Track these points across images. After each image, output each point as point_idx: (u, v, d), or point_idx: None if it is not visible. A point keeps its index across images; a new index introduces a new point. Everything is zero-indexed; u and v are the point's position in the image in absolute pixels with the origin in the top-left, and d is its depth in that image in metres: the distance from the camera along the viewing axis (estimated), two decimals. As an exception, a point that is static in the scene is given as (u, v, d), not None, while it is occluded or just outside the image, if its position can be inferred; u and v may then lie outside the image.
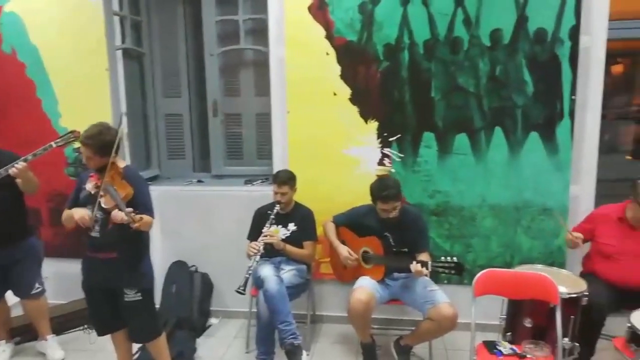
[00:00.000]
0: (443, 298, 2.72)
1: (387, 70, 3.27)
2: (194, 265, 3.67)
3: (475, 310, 2.47)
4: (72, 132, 2.91)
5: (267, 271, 2.95)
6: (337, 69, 3.31)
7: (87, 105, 3.60)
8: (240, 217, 3.32)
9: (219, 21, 3.72)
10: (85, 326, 3.54)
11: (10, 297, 3.22)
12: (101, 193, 2.34)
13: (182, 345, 3.14)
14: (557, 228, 3.19)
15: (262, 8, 3.48)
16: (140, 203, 2.40)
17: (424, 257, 2.79)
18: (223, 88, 3.84)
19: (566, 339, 2.40)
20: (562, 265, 3.14)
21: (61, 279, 3.74)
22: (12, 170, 2.78)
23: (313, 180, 3.37)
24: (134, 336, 2.68)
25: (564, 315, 2.36)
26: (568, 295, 2.45)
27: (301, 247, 3.17)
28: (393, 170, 3.33)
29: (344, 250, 2.98)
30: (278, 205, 3.12)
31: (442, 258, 2.67)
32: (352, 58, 3.29)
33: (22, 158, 2.82)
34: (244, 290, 2.82)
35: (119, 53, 3.68)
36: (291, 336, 2.82)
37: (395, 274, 2.95)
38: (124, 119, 3.58)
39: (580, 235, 2.81)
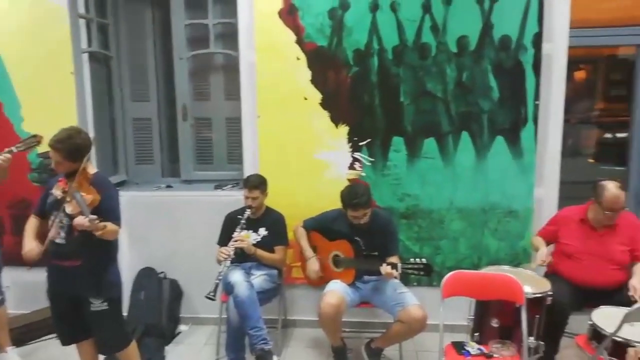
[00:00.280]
0: (413, 300, 2.75)
1: (357, 75, 3.30)
2: (162, 272, 3.61)
3: (444, 311, 2.50)
4: (34, 136, 2.83)
5: (237, 277, 2.92)
6: (308, 74, 3.32)
7: (51, 109, 3.51)
8: (210, 222, 3.28)
9: (188, 25, 3.69)
10: (50, 336, 3.42)
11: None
12: (67, 198, 2.28)
13: (150, 353, 3.09)
14: (522, 230, 3.27)
15: (232, 12, 3.47)
16: (107, 210, 2.33)
17: (393, 260, 2.81)
18: (193, 92, 3.80)
19: (531, 338, 2.45)
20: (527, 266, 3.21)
21: (24, 288, 3.63)
22: None
23: (284, 185, 3.37)
24: (101, 347, 2.61)
25: (529, 315, 2.41)
26: (533, 295, 2.50)
27: (272, 251, 3.16)
28: (364, 174, 3.36)
29: (315, 265, 2.98)
30: (249, 210, 3.10)
31: (412, 260, 2.71)
32: (322, 63, 3.31)
33: None
34: (214, 296, 2.78)
35: (85, 56, 3.60)
36: (262, 341, 2.80)
37: (366, 277, 2.97)
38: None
39: (542, 254, 2.84)
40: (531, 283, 2.59)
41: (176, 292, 3.60)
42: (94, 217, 2.17)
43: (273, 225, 3.20)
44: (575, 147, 4.38)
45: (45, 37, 3.46)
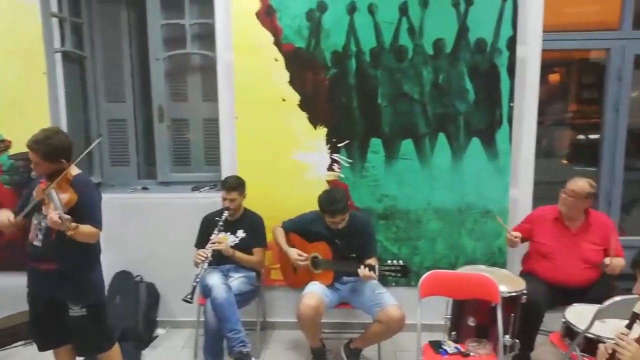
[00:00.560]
0: (391, 300, 2.77)
1: (335, 77, 3.31)
2: (139, 275, 3.55)
3: (421, 311, 2.52)
4: (2, 141, 2.75)
5: (214, 279, 2.90)
6: (286, 75, 3.32)
7: (23, 110, 3.43)
8: (187, 224, 3.24)
9: (164, 25, 3.64)
10: (24, 341, 3.38)
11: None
12: (44, 198, 2.23)
13: (127, 358, 3.01)
14: (498, 230, 3.32)
15: (209, 13, 3.44)
16: (84, 211, 2.28)
17: (372, 262, 2.81)
18: (169, 93, 3.76)
19: (507, 336, 2.48)
20: (503, 265, 3.27)
21: (-6, 294, 3.55)
22: None
23: (262, 186, 3.35)
24: (79, 350, 2.57)
25: (504, 313, 2.45)
26: (508, 294, 2.54)
27: (251, 254, 3.14)
28: (342, 176, 3.37)
29: (293, 253, 2.97)
30: (227, 212, 3.08)
31: (389, 261, 2.73)
32: (300, 64, 3.31)
33: None
34: (192, 298, 2.76)
35: (58, 56, 3.53)
36: (240, 344, 2.78)
37: (345, 278, 2.98)
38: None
39: (518, 234, 2.94)
40: (506, 282, 2.63)
41: (153, 295, 3.55)
42: (67, 216, 2.13)
43: (251, 227, 3.19)
44: (549, 148, 4.47)
45: (17, 35, 3.38)
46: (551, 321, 2.73)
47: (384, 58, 3.27)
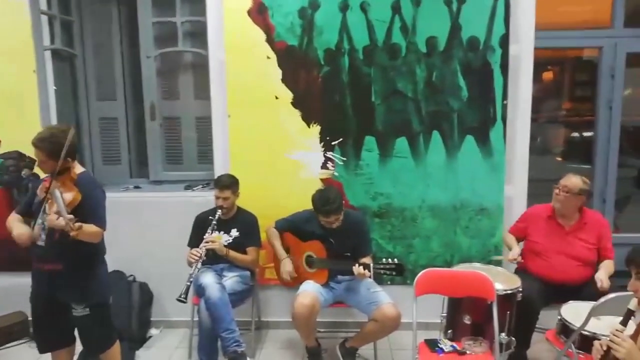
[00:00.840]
0: (386, 299, 2.76)
1: (328, 75, 3.29)
2: (132, 275, 3.52)
3: (417, 309, 2.52)
4: None
5: (208, 279, 2.88)
6: (279, 73, 3.30)
7: (13, 108, 3.41)
8: (180, 223, 3.21)
9: (155, 23, 3.61)
10: (16, 342, 3.38)
11: None
12: (48, 197, 2.20)
13: (121, 358, 2.99)
14: (493, 227, 3.32)
15: (200, 10, 3.41)
16: (88, 211, 2.25)
17: (367, 261, 2.80)
18: (161, 91, 3.72)
19: (503, 334, 2.49)
20: (498, 262, 3.26)
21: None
22: None
23: (256, 185, 3.33)
24: (85, 347, 2.56)
25: (500, 311, 2.45)
26: (504, 292, 2.54)
27: (244, 253, 3.12)
28: (336, 174, 3.36)
29: (288, 266, 2.95)
30: (220, 211, 3.05)
31: (384, 260, 2.72)
32: (293, 62, 3.29)
33: None
34: (185, 298, 2.73)
35: (48, 54, 3.49)
36: (234, 344, 2.77)
37: (339, 277, 2.96)
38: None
39: (516, 254, 2.90)
40: (502, 280, 2.63)
41: (146, 295, 3.51)
42: (71, 216, 2.10)
43: (245, 226, 3.17)
44: (543, 145, 4.50)
45: (5, 33, 3.34)
46: (547, 319, 2.73)
47: (377, 56, 3.26)
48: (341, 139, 3.34)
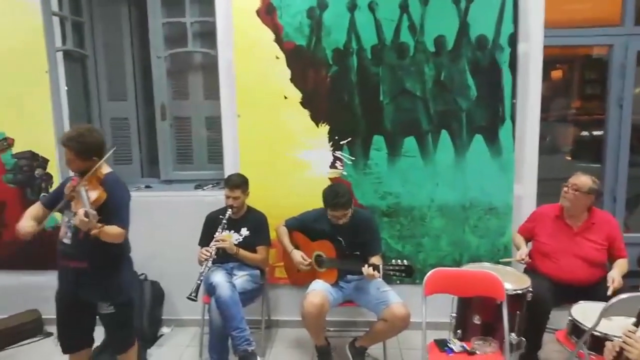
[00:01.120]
0: (396, 298, 2.77)
1: (336, 75, 3.30)
2: (143, 274, 3.54)
3: (426, 309, 2.52)
4: (4, 139, 2.75)
5: (219, 278, 2.90)
6: (287, 73, 3.31)
7: (26, 109, 3.45)
8: (191, 222, 3.23)
9: (165, 23, 3.63)
10: (27, 341, 3.42)
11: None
12: (73, 195, 2.23)
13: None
14: (502, 227, 3.32)
15: (209, 11, 3.43)
16: (112, 211, 2.28)
17: (376, 260, 2.82)
18: (171, 91, 3.75)
19: (513, 334, 2.48)
20: (508, 262, 3.24)
21: (0, 292, 3.55)
22: None
23: (265, 184, 3.35)
24: (109, 342, 2.61)
25: (510, 311, 2.44)
26: (513, 292, 2.53)
27: (254, 252, 3.14)
28: (345, 173, 3.37)
29: (297, 256, 2.97)
30: (230, 210, 3.07)
31: (393, 261, 2.72)
32: (301, 62, 3.30)
33: None
34: (196, 296, 2.76)
35: (60, 55, 3.52)
36: (245, 342, 2.79)
37: (349, 277, 2.97)
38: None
39: (523, 253, 2.91)
40: (511, 279, 2.63)
41: (157, 294, 3.54)
42: (93, 212, 2.13)
43: (255, 225, 3.18)
44: (552, 144, 4.47)
45: (18, 35, 3.38)
46: (557, 319, 2.73)
47: (386, 55, 3.26)
48: (350, 139, 3.35)
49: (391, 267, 2.69)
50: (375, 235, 3.01)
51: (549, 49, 3.26)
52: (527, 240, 3.01)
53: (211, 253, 2.92)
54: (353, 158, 3.36)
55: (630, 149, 3.50)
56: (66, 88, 3.58)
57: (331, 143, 3.37)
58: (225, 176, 3.25)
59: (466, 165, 3.30)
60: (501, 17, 3.17)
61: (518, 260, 2.90)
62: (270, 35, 3.28)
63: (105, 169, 2.39)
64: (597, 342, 2.17)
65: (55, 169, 3.52)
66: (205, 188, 3.63)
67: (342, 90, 3.31)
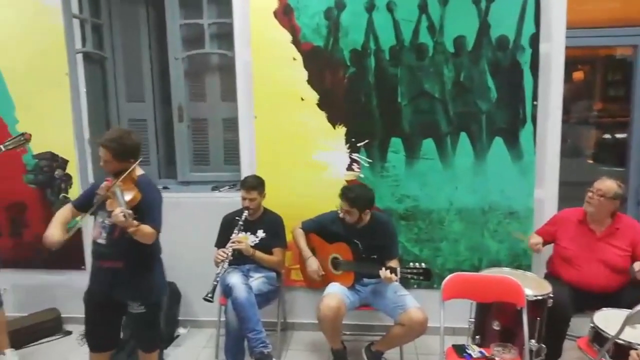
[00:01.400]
0: (413, 303, 2.74)
1: (354, 76, 3.28)
2: (160, 275, 3.57)
3: (444, 314, 2.49)
4: (22, 134, 2.79)
5: (235, 279, 2.90)
6: (304, 74, 3.30)
7: (46, 110, 3.49)
8: (207, 224, 3.24)
9: (183, 25, 3.65)
10: (46, 339, 3.47)
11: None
12: (109, 195, 2.26)
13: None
14: (523, 231, 3.25)
15: (227, 12, 3.43)
16: (146, 211, 2.31)
17: (393, 264, 2.79)
18: (188, 93, 3.77)
19: (533, 341, 2.44)
20: (527, 267, 3.21)
21: (20, 291, 3.61)
22: None
23: (281, 186, 3.34)
24: (136, 341, 2.65)
25: (530, 317, 2.40)
26: (534, 298, 2.49)
27: (270, 253, 3.13)
28: (362, 176, 3.34)
29: (313, 265, 2.96)
30: (246, 212, 3.07)
31: (411, 264, 2.68)
32: (319, 63, 3.28)
33: None
34: (212, 297, 2.75)
35: (80, 57, 3.57)
36: (261, 345, 2.78)
37: (365, 280, 2.95)
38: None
39: (538, 240, 2.86)
40: (532, 285, 2.58)
41: (174, 294, 3.56)
42: (129, 211, 2.16)
43: (271, 226, 3.18)
44: (574, 147, 4.38)
45: (39, 37, 3.42)
46: (578, 326, 2.67)
47: (404, 56, 3.23)
48: (367, 141, 3.32)
49: (409, 270, 2.66)
50: (392, 238, 2.99)
51: (570, 49, 3.19)
52: (545, 244, 2.95)
53: (228, 254, 2.92)
54: (370, 160, 3.34)
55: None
56: (85, 89, 3.62)
57: (348, 145, 3.34)
58: (242, 178, 3.25)
59: (486, 168, 3.25)
60: (522, 17, 3.12)
61: (531, 244, 2.86)
62: (287, 36, 3.27)
63: (139, 171, 2.43)
64: (621, 351, 2.13)
65: (74, 169, 3.57)
66: (221, 189, 3.64)
67: (359, 91, 3.29)
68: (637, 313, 2.11)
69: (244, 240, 3.06)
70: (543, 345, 2.52)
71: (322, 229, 3.05)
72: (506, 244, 3.30)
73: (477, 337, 2.56)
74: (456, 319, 2.65)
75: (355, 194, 2.84)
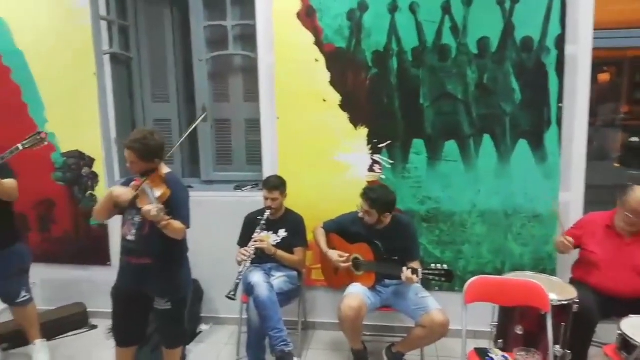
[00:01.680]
0: (435, 305, 2.73)
1: (376, 77, 3.28)
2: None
3: (466, 317, 2.48)
4: (38, 133, 2.85)
5: (257, 277, 2.93)
6: (327, 76, 3.31)
7: (74, 110, 3.58)
8: (230, 222, 3.28)
9: (207, 27, 3.70)
10: (73, 332, 3.56)
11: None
12: (139, 194, 2.32)
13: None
14: (547, 235, 3.22)
15: (250, 14, 3.47)
16: (175, 207, 2.36)
17: (415, 266, 2.78)
18: (212, 93, 3.82)
19: (558, 347, 2.41)
20: (552, 272, 3.16)
21: (48, 285, 3.70)
22: None
23: (303, 186, 3.36)
24: (161, 337, 2.70)
25: (554, 323, 2.37)
26: (559, 302, 2.46)
27: (292, 253, 3.15)
28: (383, 177, 3.34)
29: (334, 255, 2.97)
30: (268, 211, 3.10)
31: (432, 265, 2.68)
32: (341, 65, 3.29)
33: None
34: (235, 295, 2.79)
35: (107, 58, 3.64)
36: (282, 343, 2.80)
37: (387, 281, 2.95)
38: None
39: (571, 239, 2.81)
40: (556, 290, 2.55)
41: (197, 292, 3.61)
42: (161, 206, 2.21)
43: (293, 226, 3.21)
44: (600, 150, 4.31)
45: (68, 38, 3.51)
46: (604, 332, 2.63)
47: (427, 57, 3.22)
48: (389, 142, 3.32)
49: (430, 271, 2.64)
50: (413, 241, 2.99)
51: (596, 50, 3.13)
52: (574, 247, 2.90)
53: (250, 253, 2.95)
54: (392, 161, 3.33)
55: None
56: (112, 90, 3.70)
57: (370, 146, 3.35)
58: (264, 178, 3.28)
59: (510, 171, 3.22)
60: (548, 18, 3.08)
61: (566, 238, 2.79)
62: (310, 37, 3.29)
63: (165, 169, 2.48)
64: (649, 359, 2.09)
65: (101, 168, 3.65)
66: (244, 189, 3.67)
67: (381, 92, 3.29)
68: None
69: (266, 239, 3.09)
70: (568, 351, 2.49)
71: (343, 230, 3.06)
72: (530, 247, 3.26)
73: (500, 341, 2.53)
74: (477, 322, 2.63)
75: (376, 196, 2.85)
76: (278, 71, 3.35)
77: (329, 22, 3.26)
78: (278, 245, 3.13)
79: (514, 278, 2.67)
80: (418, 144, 3.29)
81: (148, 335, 2.87)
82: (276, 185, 3.13)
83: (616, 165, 4.33)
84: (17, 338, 3.29)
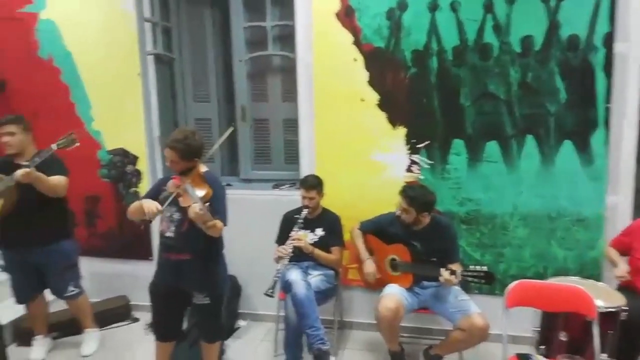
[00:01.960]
0: (474, 308, 2.69)
1: (415, 77, 3.25)
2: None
3: (507, 321, 2.43)
4: (71, 133, 2.95)
5: (295, 275, 2.95)
6: (365, 75, 3.31)
7: (119, 109, 3.70)
8: (268, 221, 3.32)
9: (247, 27, 3.75)
10: (116, 325, 3.69)
11: (49, 294, 3.29)
12: (180, 193, 2.37)
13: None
14: (593, 239, 3.11)
15: (289, 14, 3.50)
16: (216, 206, 2.40)
17: (454, 268, 2.75)
18: (251, 93, 3.87)
19: (605, 355, 2.34)
20: (597, 277, 3.05)
21: (94, 278, 3.83)
22: (16, 177, 2.77)
23: (340, 186, 3.37)
24: (200, 332, 2.76)
25: (601, 330, 2.30)
26: (606, 310, 2.38)
27: (329, 252, 3.17)
28: (422, 177, 3.31)
29: (370, 267, 2.97)
30: (306, 210, 3.13)
31: (472, 267, 2.63)
32: (380, 64, 3.28)
33: (26, 163, 2.79)
34: (273, 293, 2.82)
35: (150, 58, 3.74)
36: (319, 341, 2.81)
37: (425, 283, 2.92)
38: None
39: (624, 271, 2.70)
40: (603, 296, 2.47)
41: (235, 288, 3.67)
42: (207, 206, 2.25)
43: (329, 225, 3.22)
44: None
45: (115, 40, 3.63)
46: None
47: (468, 56, 3.16)
48: (428, 142, 3.29)
49: (470, 273, 2.60)
50: (453, 242, 2.95)
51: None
52: (621, 255, 2.80)
53: (288, 251, 2.98)
54: (431, 162, 3.30)
55: None
56: (156, 90, 3.79)
57: (408, 146, 3.32)
58: (302, 177, 3.30)
59: (554, 173, 3.13)
60: (596, 16, 2.97)
61: (618, 277, 2.70)
62: (349, 37, 3.29)
63: (203, 168, 2.53)
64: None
65: (144, 165, 3.76)
66: (282, 188, 3.71)
67: (420, 92, 3.25)
68: None
69: (304, 237, 3.11)
70: (615, 361, 2.41)
71: (380, 230, 3.05)
72: (575, 251, 3.16)
73: (542, 347, 2.48)
74: (517, 327, 2.58)
75: (415, 194, 2.83)
76: (316, 71, 3.37)
77: (368, 22, 3.25)
78: (315, 244, 3.15)
79: (558, 283, 2.60)
80: (458, 144, 3.25)
81: (185, 331, 2.95)
82: (313, 184, 3.15)
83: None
84: (67, 327, 3.44)
